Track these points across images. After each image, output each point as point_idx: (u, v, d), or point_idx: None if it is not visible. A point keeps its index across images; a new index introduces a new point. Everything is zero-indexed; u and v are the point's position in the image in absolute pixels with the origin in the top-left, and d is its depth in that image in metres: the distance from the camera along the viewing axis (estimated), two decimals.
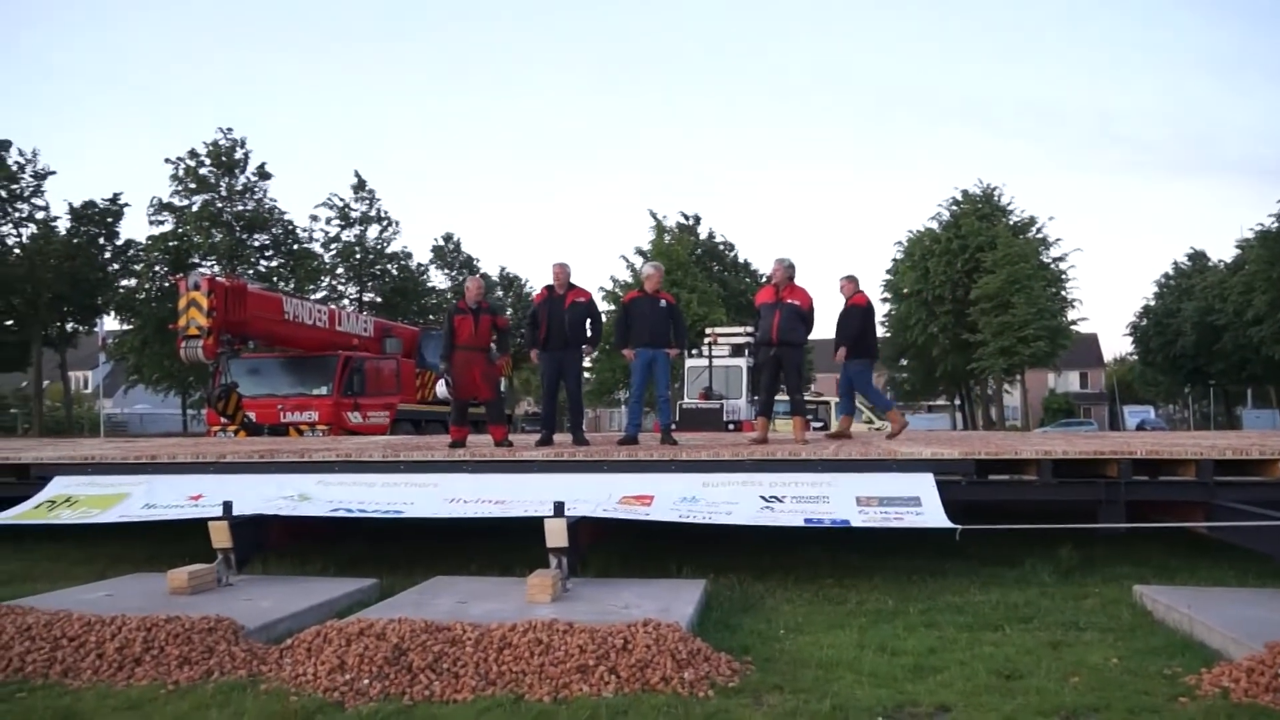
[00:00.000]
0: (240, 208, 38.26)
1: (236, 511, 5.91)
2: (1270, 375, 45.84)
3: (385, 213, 43.70)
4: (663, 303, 8.69)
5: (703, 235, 48.00)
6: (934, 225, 44.45)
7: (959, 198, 44.00)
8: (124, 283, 37.59)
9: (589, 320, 8.66)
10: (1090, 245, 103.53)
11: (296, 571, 6.46)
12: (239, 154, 38.14)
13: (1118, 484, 6.24)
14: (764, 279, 41.41)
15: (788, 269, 8.58)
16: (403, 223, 55.71)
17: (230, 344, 14.86)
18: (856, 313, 9.16)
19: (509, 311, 47.82)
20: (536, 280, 52.89)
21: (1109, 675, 3.99)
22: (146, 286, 36.54)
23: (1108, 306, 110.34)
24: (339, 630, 4.17)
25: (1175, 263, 53.96)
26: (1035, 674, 4.00)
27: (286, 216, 39.67)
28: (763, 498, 6.02)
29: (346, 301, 41.80)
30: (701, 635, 4.31)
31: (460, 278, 45.51)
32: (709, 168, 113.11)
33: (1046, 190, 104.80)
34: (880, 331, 47.86)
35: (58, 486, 7.07)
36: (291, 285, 37.31)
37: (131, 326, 36.76)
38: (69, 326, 37.87)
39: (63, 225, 36.32)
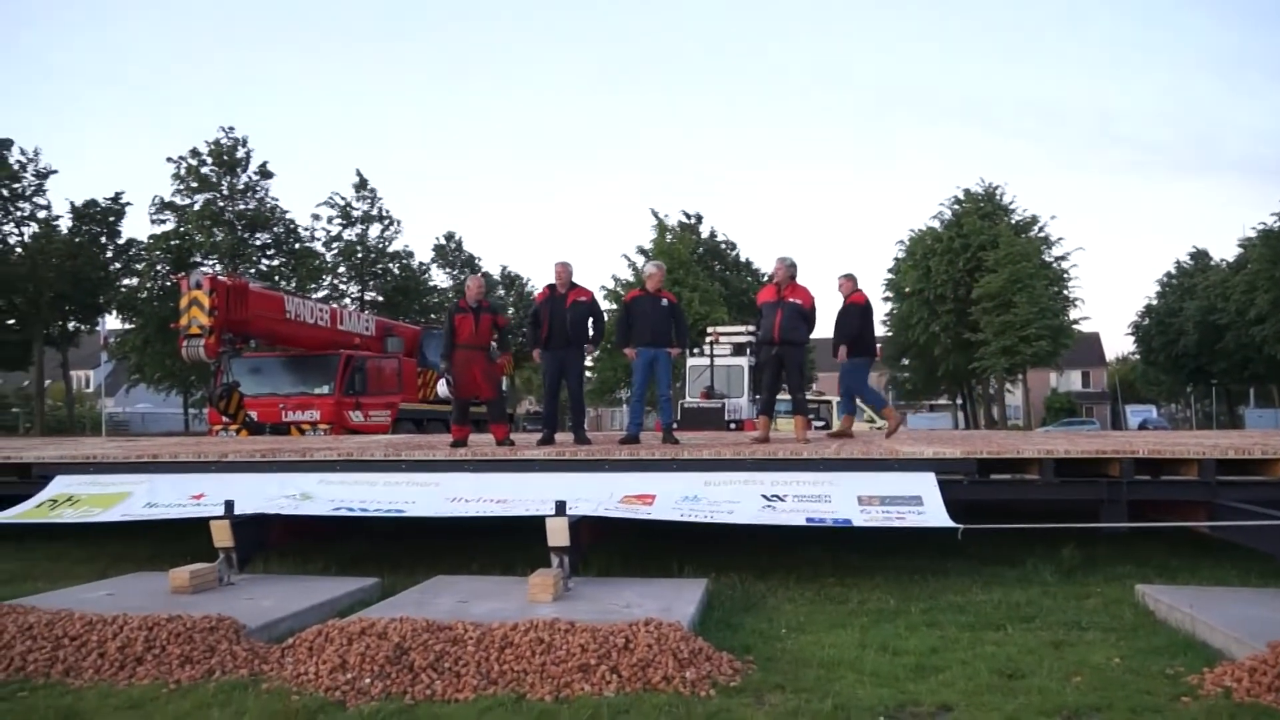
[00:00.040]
0: (242, 207, 38.31)
1: (238, 510, 5.91)
2: (1273, 374, 45.82)
3: (387, 212, 43.80)
4: (664, 301, 8.68)
5: (704, 234, 48.02)
6: (936, 224, 44.44)
7: (961, 197, 43.99)
8: (126, 282, 37.66)
9: (591, 319, 8.66)
10: (1092, 244, 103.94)
11: (298, 570, 6.46)
12: (240, 153, 38.19)
13: (1120, 483, 6.24)
14: (765, 278, 41.44)
15: (789, 268, 8.58)
16: (404, 222, 56.03)
17: (232, 343, 14.87)
18: (855, 311, 9.17)
19: (510, 311, 47.87)
20: (538, 279, 52.97)
21: (1111, 675, 3.98)
22: (148, 285, 36.60)
23: (1110, 306, 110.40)
24: (340, 629, 4.17)
25: (1177, 262, 53.99)
26: (1037, 673, 4.00)
27: (288, 215, 39.77)
28: (764, 497, 6.02)
29: (348, 300, 41.83)
30: (703, 634, 4.31)
31: (462, 277, 45.52)
32: (710, 166, 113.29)
33: (1048, 189, 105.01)
34: (882, 330, 48.25)
35: (59, 485, 7.07)
36: (293, 284, 37.34)
37: (133, 325, 36.82)
38: (71, 325, 37.92)
39: (64, 224, 36.41)
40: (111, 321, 38.33)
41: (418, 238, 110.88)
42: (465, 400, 8.72)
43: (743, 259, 49.58)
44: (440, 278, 48.23)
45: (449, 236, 49.89)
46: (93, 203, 36.84)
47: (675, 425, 9.56)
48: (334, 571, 6.42)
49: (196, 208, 37.22)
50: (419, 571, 6.12)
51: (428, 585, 5.60)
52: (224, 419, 15.41)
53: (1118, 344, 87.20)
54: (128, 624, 4.29)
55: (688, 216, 47.40)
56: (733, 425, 18.56)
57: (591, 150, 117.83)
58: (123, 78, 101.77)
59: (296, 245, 40.02)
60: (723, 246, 49.11)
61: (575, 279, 8.66)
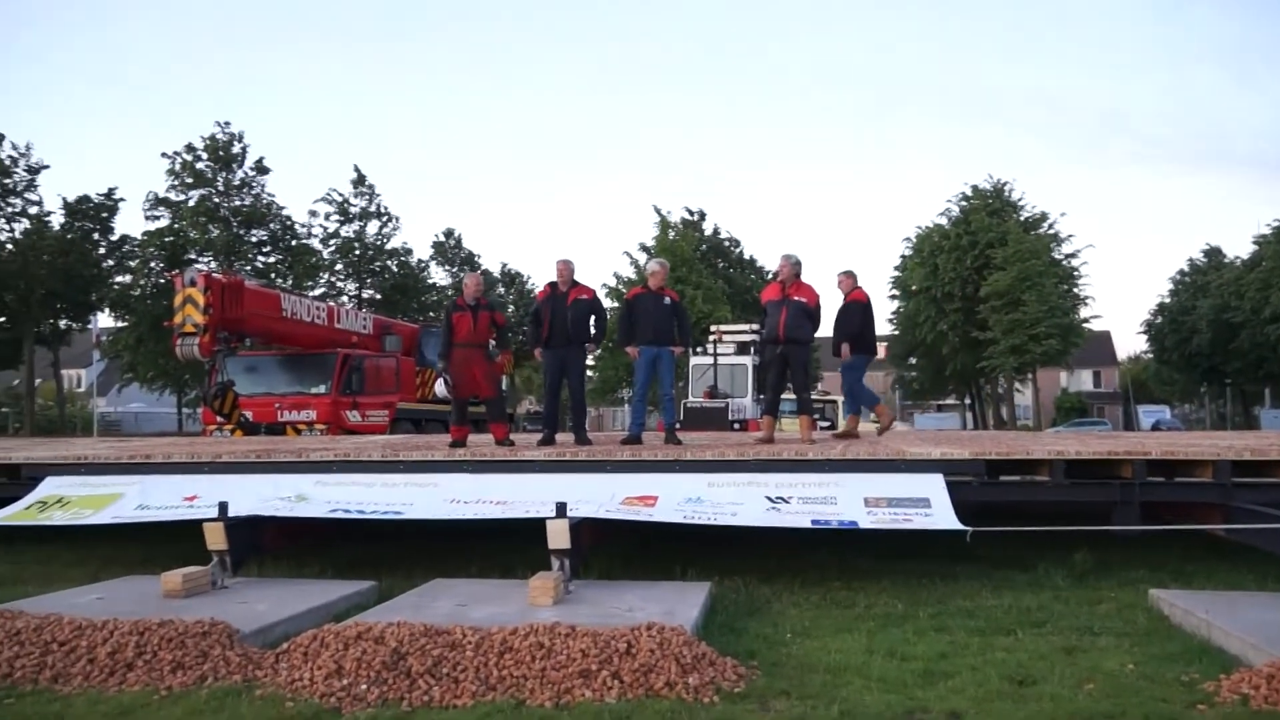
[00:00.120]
0: (238, 203, 38.34)
1: (232, 512, 5.90)
2: None
3: (385, 208, 43.86)
4: (667, 300, 8.68)
5: (708, 231, 48.03)
6: (943, 221, 44.46)
7: (969, 193, 44.01)
8: (119, 279, 37.71)
9: (592, 317, 8.65)
10: (1103, 241, 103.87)
11: (293, 574, 6.45)
12: (236, 148, 38.23)
13: (1132, 485, 6.21)
14: (770, 275, 41.43)
15: (794, 265, 8.56)
16: (403, 219, 56.03)
17: (227, 341, 14.84)
18: (857, 309, 9.18)
19: (510, 309, 47.89)
20: (539, 277, 52.99)
21: (1125, 681, 3.96)
22: (141, 283, 36.64)
23: (1121, 304, 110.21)
24: (336, 634, 4.16)
25: (1190, 259, 53.92)
26: (1049, 680, 3.98)
27: (285, 212, 39.80)
28: (769, 498, 6.01)
29: (345, 298, 41.88)
30: (706, 639, 4.30)
31: (461, 274, 45.55)
32: (714, 163, 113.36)
33: (1057, 185, 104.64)
34: (888, 329, 48.32)
35: (49, 487, 7.06)
36: (289, 282, 37.38)
37: (126, 324, 36.87)
38: (62, 324, 37.98)
39: (56, 220, 36.47)
40: (104, 319, 38.46)
41: (416, 235, 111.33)
42: (464, 400, 8.71)
43: (746, 256, 49.63)
44: (439, 275, 48.32)
45: (448, 234, 49.95)
46: (85, 199, 36.88)
47: (678, 425, 9.55)
48: (330, 575, 6.41)
49: (191, 204, 37.26)
50: (416, 574, 6.11)
51: (425, 589, 5.59)
52: (218, 419, 15.38)
53: (1129, 343, 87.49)
54: (118, 629, 4.27)
55: (691, 213, 47.45)
56: (736, 425, 18.54)
57: (592, 147, 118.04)
58: (118, 73, 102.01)
59: (293, 242, 40.07)
60: (726, 244, 49.12)
61: (577, 277, 8.65)
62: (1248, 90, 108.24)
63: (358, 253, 42.87)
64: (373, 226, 43.47)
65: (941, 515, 5.66)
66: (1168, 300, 52.85)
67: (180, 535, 6.39)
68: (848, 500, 5.89)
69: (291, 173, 71.13)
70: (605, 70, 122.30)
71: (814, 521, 5.69)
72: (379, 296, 43.35)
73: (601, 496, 6.09)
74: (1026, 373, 41.85)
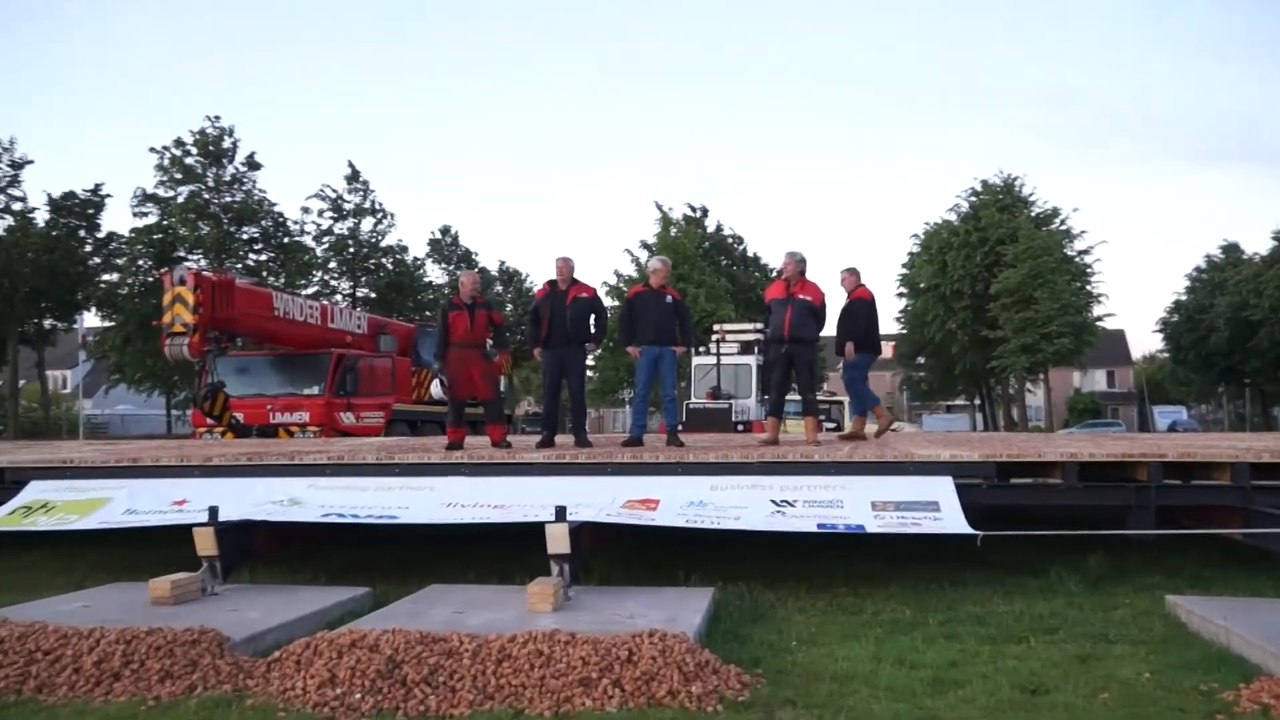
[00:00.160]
0: (228, 199, 38.30)
1: (223, 517, 5.91)
2: None
3: (380, 205, 43.78)
4: (668, 298, 8.68)
5: (710, 228, 48.00)
6: (952, 217, 44.37)
7: (978, 188, 43.89)
8: (105, 277, 37.66)
9: (593, 316, 8.66)
10: (1117, 237, 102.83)
11: (285, 580, 6.45)
12: (227, 143, 38.17)
13: (1148, 488, 6.21)
14: (774, 273, 41.42)
15: (799, 263, 8.56)
16: (398, 215, 55.94)
17: (217, 341, 14.85)
18: (862, 307, 9.19)
19: (509, 308, 47.91)
20: (537, 275, 52.97)
21: (1141, 691, 3.95)
22: (129, 281, 36.61)
23: (1136, 302, 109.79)
24: (330, 642, 4.15)
25: (1207, 256, 53.81)
26: (1062, 689, 3.97)
27: (277, 208, 39.74)
28: (773, 502, 6.01)
29: (339, 297, 41.87)
30: (710, 646, 4.29)
31: (458, 272, 45.56)
32: (717, 158, 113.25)
33: (1069, 180, 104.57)
34: (896, 328, 48.29)
35: (33, 491, 7.06)
36: (282, 280, 37.33)
37: (113, 323, 36.81)
38: (47, 323, 37.94)
39: (41, 216, 36.38)
40: (90, 319, 38.41)
41: (413, 232, 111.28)
42: (461, 401, 8.71)
43: (750, 254, 49.61)
44: (435, 273, 48.28)
45: (444, 231, 49.91)
46: (71, 195, 36.85)
47: (680, 427, 9.55)
48: (323, 581, 6.40)
49: (180, 200, 37.20)
50: (412, 581, 6.11)
51: (421, 595, 5.59)
52: (208, 421, 15.40)
53: (1144, 342, 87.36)
54: (104, 637, 4.27)
55: (693, 210, 47.40)
56: (740, 427, 18.53)
57: (592, 143, 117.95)
58: (103, 67, 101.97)
59: (285, 239, 40.02)
60: (729, 241, 49.10)
61: (576, 274, 8.65)
62: (1270, 82, 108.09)
63: (352, 250, 42.84)
64: (367, 223, 43.46)
65: (951, 519, 5.66)
66: (1184, 298, 52.79)
67: (169, 541, 6.39)
68: (854, 503, 5.89)
69: (284, 169, 71.30)
70: (605, 65, 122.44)
71: (820, 525, 5.69)
72: (373, 295, 43.33)
73: (602, 500, 6.09)
74: (1038, 373, 41.77)
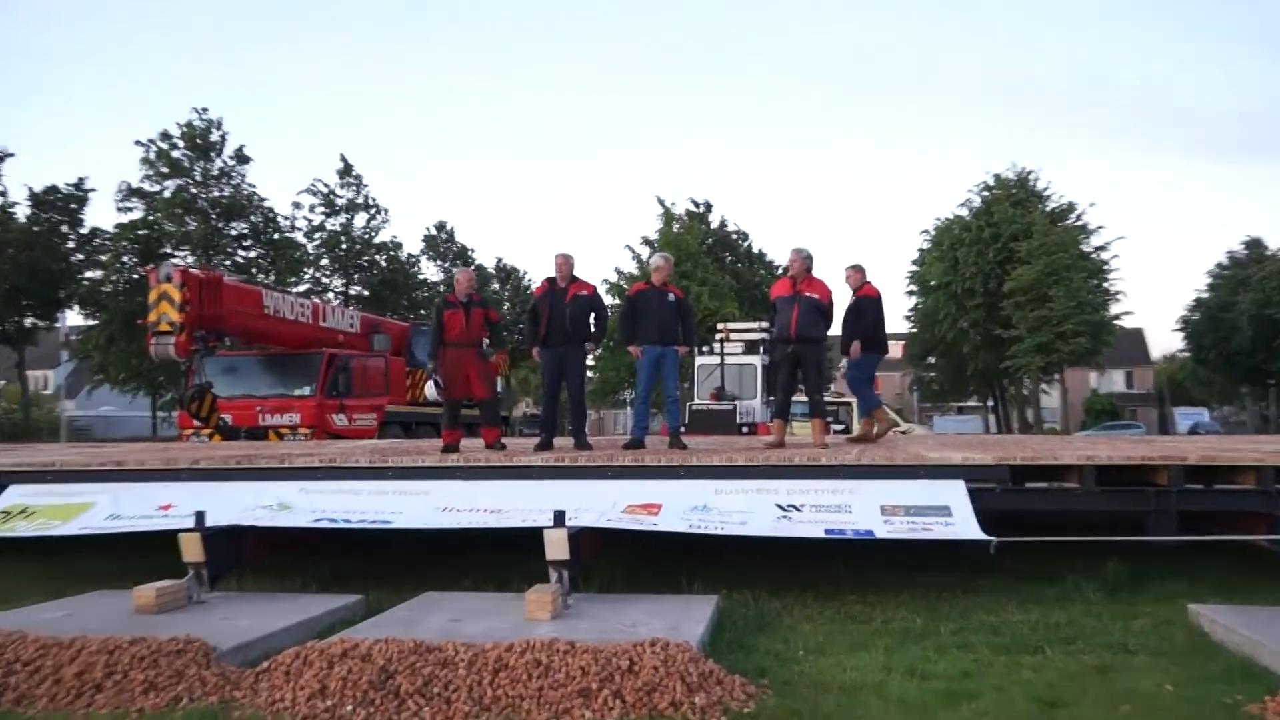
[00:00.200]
0: (216, 194, 38.34)
1: (210, 522, 5.91)
2: None
3: (373, 200, 43.85)
4: (671, 296, 8.67)
5: (714, 224, 48.03)
6: (964, 212, 44.37)
7: (991, 182, 43.89)
8: (89, 274, 37.69)
9: (592, 315, 8.65)
10: (1135, 233, 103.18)
11: (275, 587, 6.46)
12: (215, 136, 38.22)
13: (1169, 493, 6.20)
14: (780, 270, 41.41)
15: (805, 260, 8.56)
16: (392, 211, 56.07)
17: (204, 341, 14.86)
18: (869, 305, 9.19)
19: (506, 306, 47.95)
20: (535, 272, 53.01)
21: (1162, 703, 3.94)
22: (113, 279, 36.62)
23: (1155, 299, 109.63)
24: (320, 651, 4.15)
25: (1230, 252, 53.71)
26: (1080, 702, 3.96)
27: (266, 203, 39.80)
28: (779, 506, 6.01)
29: (331, 295, 41.92)
30: (714, 656, 4.29)
31: (453, 269, 45.61)
32: (720, 152, 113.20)
33: (1087, 174, 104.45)
34: (906, 327, 48.27)
35: (13, 496, 7.06)
36: (271, 277, 37.37)
37: (97, 322, 36.84)
38: (28, 322, 37.94)
39: (22, 212, 36.43)
40: (73, 317, 38.48)
41: (407, 229, 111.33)
42: (456, 402, 8.71)
43: (755, 250, 49.61)
44: (430, 271, 48.35)
45: (440, 227, 50.00)
46: (53, 189, 36.90)
47: (683, 429, 9.54)
48: (314, 588, 6.42)
49: (167, 195, 37.25)
50: (406, 588, 6.11)
51: (416, 603, 5.59)
52: (195, 423, 15.39)
53: (1164, 341, 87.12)
54: (86, 647, 4.27)
55: (696, 205, 47.41)
56: (745, 429, 18.53)
57: (593, 137, 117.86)
58: (86, 57, 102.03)
59: (275, 235, 40.07)
60: (734, 237, 49.12)
61: (576, 272, 8.64)
62: None
63: (344, 247, 42.88)
64: (360, 219, 43.51)
65: (963, 524, 5.66)
66: (1205, 295, 52.71)
67: (154, 547, 6.39)
68: (863, 508, 5.89)
69: (274, 163, 71.28)
70: (605, 57, 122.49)
71: (827, 531, 5.69)
72: (366, 293, 43.39)
73: (602, 505, 6.09)
74: (1053, 373, 41.73)
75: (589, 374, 36.61)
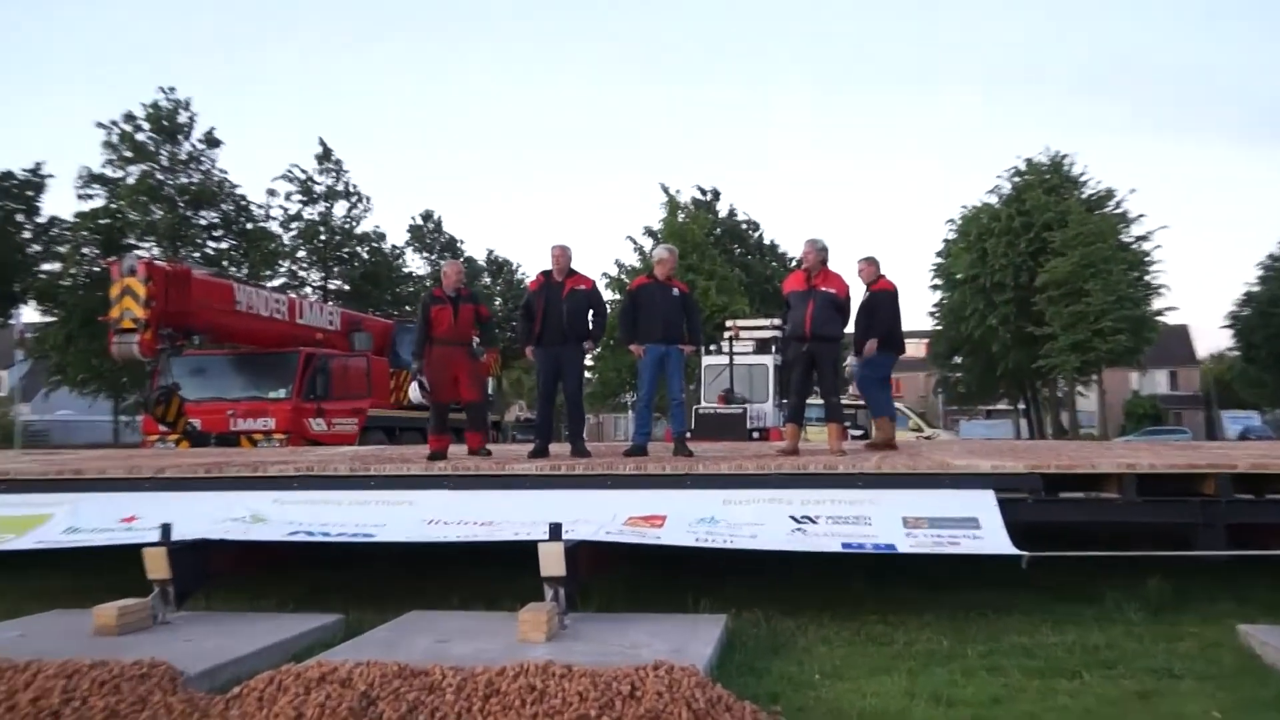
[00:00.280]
0: (184, 180, 38.44)
1: (176, 536, 5.90)
2: None
3: (354, 187, 43.94)
4: (675, 291, 8.67)
5: (722, 213, 48.04)
6: (993, 200, 44.38)
7: (1022, 167, 43.89)
8: (46, 267, 37.78)
9: (591, 311, 8.66)
10: (1179, 222, 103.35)
11: (247, 607, 6.46)
12: (183, 117, 38.31)
13: (1217, 503, 6.19)
14: (793, 263, 41.41)
15: (821, 252, 8.55)
16: (375, 199, 56.18)
17: (172, 339, 14.86)
18: (886, 300, 9.19)
19: (498, 302, 48.01)
20: (530, 265, 53.04)
21: None
22: (73, 272, 36.71)
23: (1201, 294, 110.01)
24: (296, 676, 4.14)
25: None
26: None
27: (239, 190, 39.90)
28: (793, 518, 6.01)
29: (309, 289, 41.97)
30: (722, 681, 4.28)
31: (441, 262, 45.63)
32: (729, 136, 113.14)
33: (1126, 158, 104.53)
34: (930, 324, 48.26)
35: None
36: (244, 271, 37.45)
37: (54, 318, 36.93)
38: None
39: None
40: (29, 313, 38.50)
41: (391, 218, 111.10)
42: (444, 405, 8.71)
43: (767, 241, 49.63)
44: (416, 263, 48.45)
45: (426, 216, 50.09)
46: (8, 175, 36.98)
47: (688, 435, 9.53)
48: (290, 607, 6.41)
49: (131, 181, 37.34)
50: (389, 606, 6.11)
51: (400, 623, 5.59)
52: (161, 428, 15.41)
53: (1211, 338, 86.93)
54: (43, 671, 4.26)
55: (703, 193, 47.44)
56: (756, 434, 18.53)
57: (592, 121, 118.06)
58: (44, 33, 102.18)
59: (248, 225, 40.16)
60: (743, 227, 49.14)
61: (574, 265, 8.65)
62: None
63: (323, 237, 42.99)
64: (340, 208, 43.64)
65: (993, 538, 5.65)
66: (1256, 289, 52.68)
67: (116, 563, 6.39)
68: (884, 520, 5.89)
69: (246, 148, 71.35)
70: (606, 36, 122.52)
71: (845, 545, 5.69)
72: (347, 287, 43.46)
73: (602, 516, 6.09)
74: (1091, 373, 41.74)
75: (587, 375, 36.70)
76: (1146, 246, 41.38)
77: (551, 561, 5.28)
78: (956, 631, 5.68)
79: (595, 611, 5.90)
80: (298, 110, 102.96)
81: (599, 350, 33.76)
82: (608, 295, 33.90)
